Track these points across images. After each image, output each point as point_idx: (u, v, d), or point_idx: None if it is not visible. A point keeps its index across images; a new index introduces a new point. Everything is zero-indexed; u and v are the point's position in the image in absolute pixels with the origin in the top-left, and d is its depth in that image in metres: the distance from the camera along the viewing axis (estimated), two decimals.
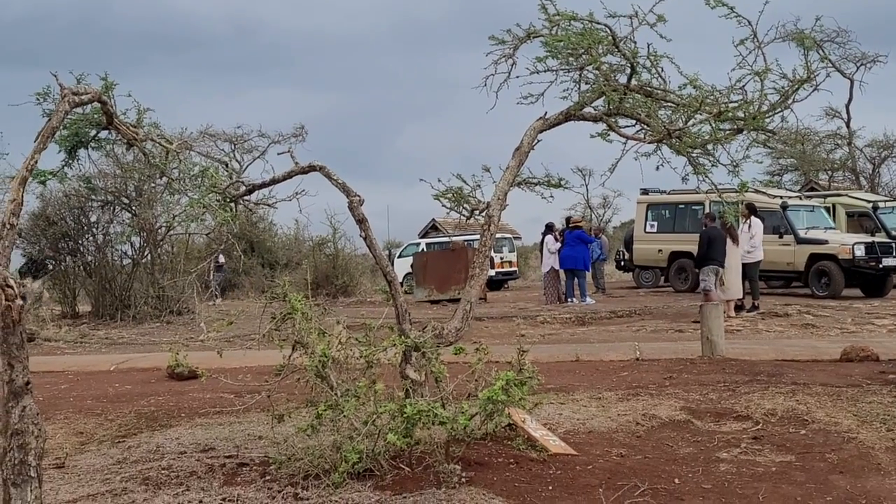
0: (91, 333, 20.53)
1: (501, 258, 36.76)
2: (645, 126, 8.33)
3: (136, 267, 23.46)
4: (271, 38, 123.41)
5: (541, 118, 8.29)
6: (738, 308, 19.55)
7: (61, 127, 6.16)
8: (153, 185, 22.34)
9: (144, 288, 23.09)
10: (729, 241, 19.03)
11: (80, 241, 23.69)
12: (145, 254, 23.67)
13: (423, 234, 52.56)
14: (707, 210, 22.69)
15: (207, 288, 26.80)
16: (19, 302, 5.36)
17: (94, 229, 23.60)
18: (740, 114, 8.17)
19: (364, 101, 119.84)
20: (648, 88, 8.27)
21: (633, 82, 8.22)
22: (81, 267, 23.95)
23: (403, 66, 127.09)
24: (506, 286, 38.16)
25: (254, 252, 35.28)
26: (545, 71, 8.34)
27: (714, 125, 8.13)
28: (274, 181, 7.89)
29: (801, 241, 23.92)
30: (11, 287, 5.32)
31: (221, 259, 29.53)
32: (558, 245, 25.00)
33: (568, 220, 26.28)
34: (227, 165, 8.07)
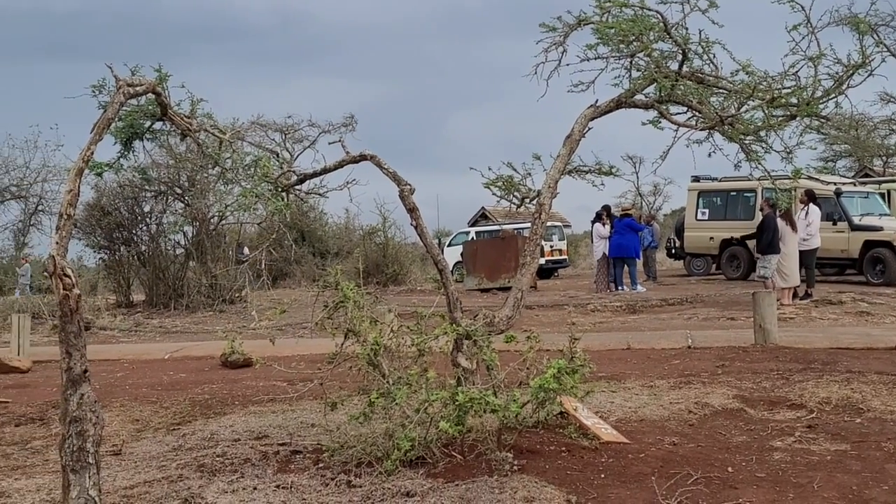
0: (145, 322, 20.76)
1: (551, 246, 36.64)
2: (697, 113, 8.27)
3: (189, 256, 23.67)
4: (317, 28, 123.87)
5: (591, 106, 8.25)
6: (796, 296, 19.38)
7: (116, 118, 6.23)
8: (205, 175, 22.52)
9: (197, 277, 23.30)
10: (788, 228, 18.85)
11: (133, 231, 23.94)
12: (198, 243, 23.86)
13: (473, 223, 52.54)
14: (761, 197, 22.48)
15: (259, 277, 26.96)
16: (77, 291, 5.45)
17: (147, 219, 23.84)
18: (794, 100, 8.08)
19: (410, 90, 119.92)
20: (700, 75, 8.21)
21: (685, 69, 8.16)
22: (135, 256, 24.19)
23: (449, 54, 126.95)
24: (556, 274, 38.07)
25: (304, 241, 35.45)
26: (596, 58, 8.31)
27: (767, 112, 8.05)
28: (325, 170, 7.93)
29: (855, 227, 23.65)
30: (69, 276, 5.40)
31: (246, 251, 29.61)
32: (607, 230, 24.92)
33: (608, 208, 26.10)
34: (277, 155, 8.13)
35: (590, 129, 8.24)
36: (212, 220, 23.83)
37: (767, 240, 18.79)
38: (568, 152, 8.08)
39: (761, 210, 20.05)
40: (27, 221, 49.83)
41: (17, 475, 7.21)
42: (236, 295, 23.42)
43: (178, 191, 23.51)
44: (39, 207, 50.09)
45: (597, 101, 8.32)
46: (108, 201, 23.51)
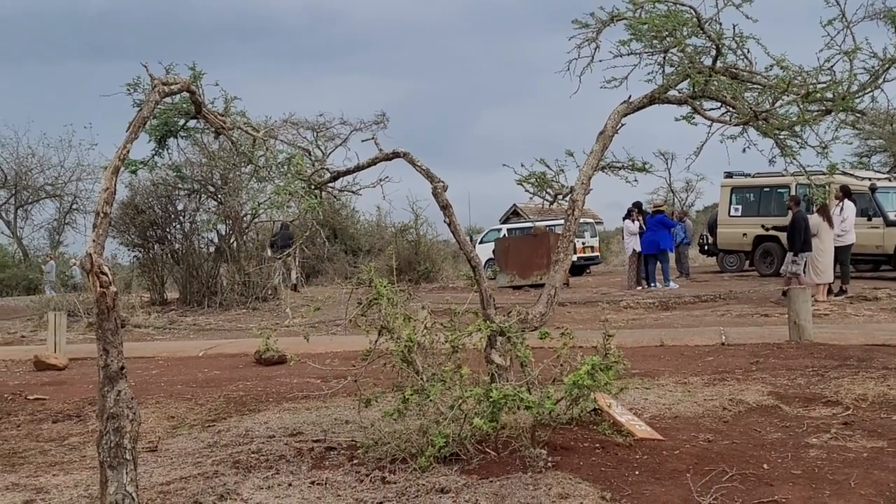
0: (179, 320, 20.88)
1: (583, 243, 36.53)
2: (731, 108, 8.23)
3: (222, 254, 23.79)
4: (347, 26, 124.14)
5: (625, 102, 8.23)
6: (830, 292, 19.23)
7: (151, 117, 6.27)
8: (238, 173, 22.62)
9: (230, 275, 23.40)
10: (824, 224, 18.72)
11: (167, 229, 24.06)
12: (231, 241, 23.96)
13: (505, 220, 52.52)
14: (793, 192, 22.34)
15: (291, 273, 27.06)
16: (113, 289, 5.49)
17: (181, 217, 23.96)
18: (829, 95, 8.04)
19: (441, 87, 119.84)
20: (734, 70, 8.17)
21: (719, 64, 8.12)
22: (169, 254, 24.32)
23: (480, 50, 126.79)
24: (588, 271, 37.97)
25: (336, 239, 35.54)
26: (629, 54, 8.29)
27: (802, 106, 8.01)
28: (358, 168, 7.94)
29: (890, 223, 23.44)
30: (106, 274, 5.44)
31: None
32: (636, 227, 24.84)
33: (639, 205, 25.98)
34: (309, 153, 8.15)
35: (623, 125, 8.22)
36: (245, 218, 23.93)
37: (801, 238, 18.65)
38: (601, 148, 8.06)
39: (789, 209, 19.92)
40: (62, 220, 50.29)
41: (55, 471, 7.28)
42: (269, 293, 23.50)
43: (212, 189, 23.61)
44: (74, 206, 50.56)
45: (630, 97, 8.29)
46: (142, 199, 23.63)
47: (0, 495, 6.56)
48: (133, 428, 5.43)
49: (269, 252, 25.66)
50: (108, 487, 5.30)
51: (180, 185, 23.23)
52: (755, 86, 8.19)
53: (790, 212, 19.97)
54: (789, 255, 18.98)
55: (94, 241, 5.56)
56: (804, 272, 18.39)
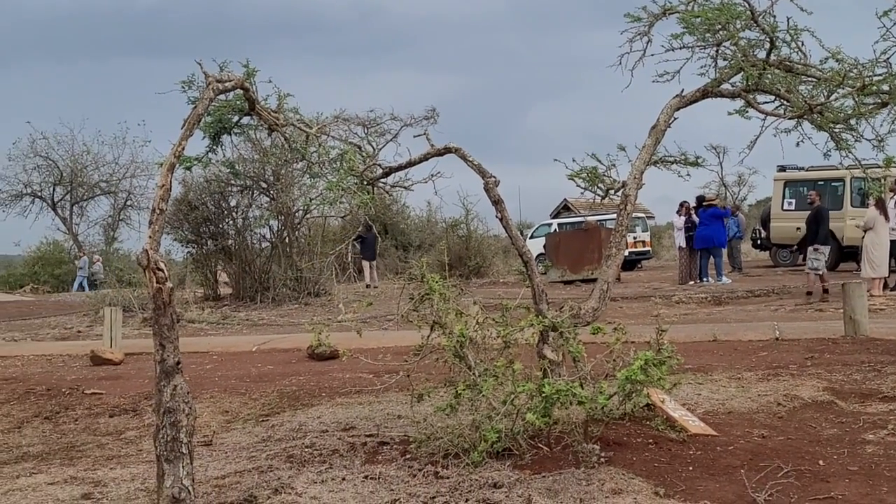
0: (232, 315, 21.02)
1: (635, 238, 36.36)
2: (785, 102, 8.15)
3: (275, 250, 23.93)
4: (394, 21, 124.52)
5: (677, 96, 8.17)
6: (886, 286, 19.00)
7: (206, 114, 6.32)
8: (290, 169, 22.74)
9: (283, 270, 23.54)
10: (880, 217, 18.50)
11: (220, 225, 24.24)
12: (283, 237, 24.11)
13: (555, 215, 52.39)
14: (850, 186, 22.09)
15: (345, 271, 27.21)
16: (169, 284, 5.55)
17: (233, 213, 24.13)
18: (885, 87, 7.92)
19: (489, 82, 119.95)
20: (788, 63, 8.09)
21: (773, 57, 8.04)
22: (222, 250, 24.51)
23: (527, 45, 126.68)
24: (639, 266, 37.80)
25: (387, 234, 35.65)
26: (681, 48, 8.22)
27: (857, 99, 7.91)
28: (410, 163, 7.95)
29: None
30: (162, 270, 5.50)
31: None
32: (681, 222, 24.74)
33: (700, 198, 25.82)
34: (360, 149, 8.17)
35: (675, 119, 8.17)
36: (297, 214, 24.06)
37: (825, 231, 18.48)
38: (653, 143, 8.01)
39: (811, 204, 19.70)
40: (116, 216, 50.91)
41: (113, 465, 7.39)
42: (322, 289, 23.62)
43: (264, 185, 23.76)
44: (128, 202, 51.15)
45: (682, 90, 8.23)
46: (196, 196, 23.84)
47: (59, 488, 6.67)
48: (189, 422, 5.49)
49: (355, 247, 25.80)
50: (164, 481, 5.36)
51: (233, 182, 23.40)
52: (810, 79, 8.10)
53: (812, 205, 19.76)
54: (810, 251, 18.76)
55: (150, 237, 5.63)
56: (825, 268, 18.21)
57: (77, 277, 41.46)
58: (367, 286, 27.37)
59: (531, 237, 37.52)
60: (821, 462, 6.21)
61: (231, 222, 24.24)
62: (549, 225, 39.83)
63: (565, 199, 56.65)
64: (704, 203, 25.19)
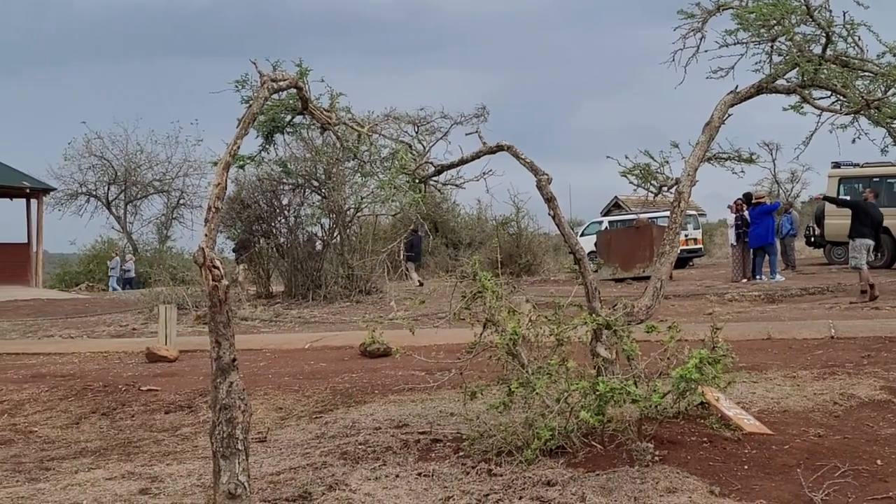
0: (284, 313, 21.15)
1: (686, 235, 36.05)
2: (841, 97, 8.07)
3: (326, 248, 24.04)
4: (442, 19, 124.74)
5: (731, 92, 8.12)
6: None
7: (260, 113, 6.37)
8: (341, 167, 22.84)
9: (334, 268, 23.64)
10: None
11: (272, 224, 24.39)
12: (335, 235, 24.21)
13: (606, 212, 52.15)
14: None
15: (397, 269, 27.29)
16: (225, 282, 5.60)
17: (285, 212, 24.26)
18: None
19: (538, 80, 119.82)
20: (845, 58, 8.01)
21: (829, 52, 7.97)
22: (274, 248, 24.65)
23: (576, 42, 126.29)
24: (691, 264, 37.53)
25: (437, 232, 35.70)
26: (735, 44, 8.18)
27: None
28: (462, 161, 7.97)
29: None
30: (218, 268, 5.55)
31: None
32: (731, 219, 24.60)
33: (749, 196, 25.59)
34: (410, 147, 8.20)
35: (729, 115, 8.12)
36: (348, 213, 24.15)
37: (861, 225, 18.25)
38: (707, 139, 7.97)
39: (864, 199, 19.45)
40: (170, 215, 51.40)
41: (169, 461, 7.47)
42: (373, 287, 23.70)
43: (315, 183, 23.87)
44: (181, 201, 51.61)
45: (737, 87, 8.18)
46: (248, 194, 24.00)
47: (117, 483, 6.76)
48: (245, 419, 5.54)
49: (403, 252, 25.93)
50: (220, 477, 5.41)
51: (285, 180, 23.53)
52: (866, 74, 8.02)
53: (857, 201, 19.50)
54: (852, 245, 18.50)
55: (205, 235, 5.67)
56: (865, 264, 17.96)
57: (110, 277, 42.19)
58: (419, 284, 27.43)
59: (582, 235, 37.34)
60: (878, 462, 6.14)
61: (283, 220, 24.37)
62: (600, 223, 39.67)
63: (616, 197, 56.37)
64: (753, 201, 24.96)
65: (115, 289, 40.40)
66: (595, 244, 30.37)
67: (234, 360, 5.57)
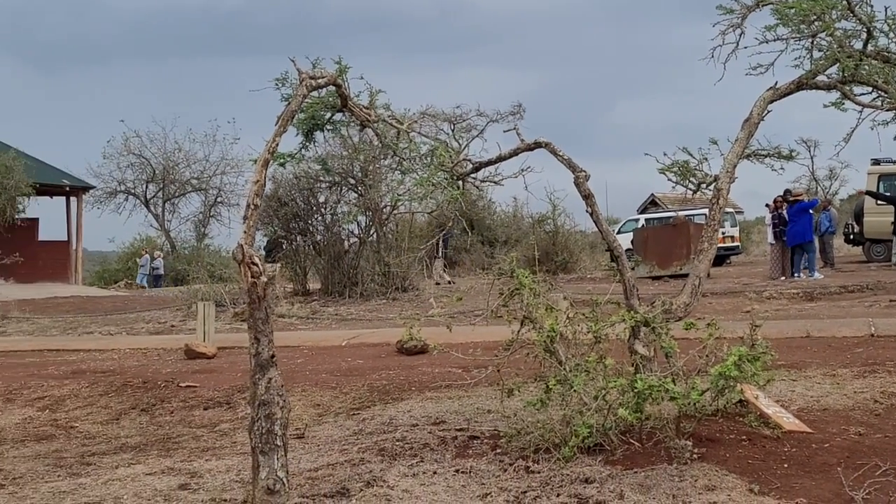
0: (321, 310, 21.22)
1: (724, 233, 35.89)
2: (883, 93, 8.00)
3: (363, 245, 24.10)
4: (476, 17, 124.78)
5: (771, 88, 8.06)
6: None
7: (299, 110, 6.40)
8: (378, 165, 22.90)
9: (371, 266, 23.69)
10: None
11: (309, 221, 24.47)
12: (371, 232, 24.27)
13: (642, 210, 51.99)
14: None
15: (443, 266, 27.35)
16: (264, 279, 5.63)
17: (322, 209, 24.34)
18: None
19: (574, 77, 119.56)
20: (886, 54, 7.93)
21: (870, 48, 7.90)
22: (311, 246, 24.74)
23: (612, 39, 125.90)
24: (728, 261, 37.36)
25: (473, 230, 35.68)
26: (775, 40, 8.12)
27: None
28: (500, 158, 7.96)
29: None
30: (256, 264, 5.59)
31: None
32: (769, 217, 24.49)
33: (787, 193, 25.43)
34: (447, 145, 8.21)
35: (768, 112, 8.06)
36: (384, 210, 24.20)
37: None
38: (746, 136, 7.92)
39: None
40: (207, 213, 51.72)
41: (208, 456, 7.52)
42: (409, 285, 23.74)
43: (352, 181, 23.94)
44: (219, 199, 51.91)
45: (776, 83, 8.12)
46: (285, 192, 24.09)
47: (157, 478, 6.81)
48: (283, 415, 5.57)
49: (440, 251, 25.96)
50: (259, 472, 5.45)
51: (321, 178, 23.62)
52: None
53: None
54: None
55: (244, 232, 5.71)
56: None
57: (139, 274, 42.66)
58: (449, 283, 27.44)
59: (618, 232, 37.23)
60: None
61: (320, 218, 24.46)
62: (637, 220, 39.58)
63: (652, 194, 56.20)
64: (790, 198, 24.81)
65: (144, 287, 40.84)
66: (632, 241, 30.30)
67: (272, 356, 5.61)
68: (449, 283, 27.56)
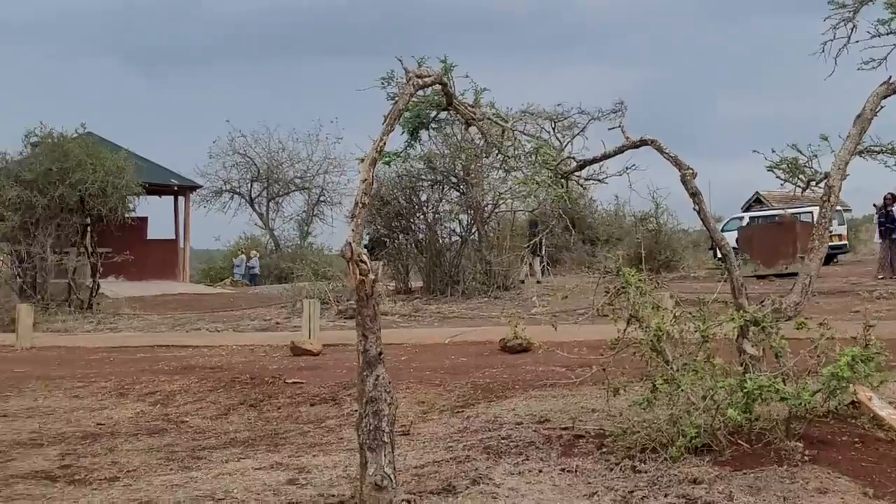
0: (423, 308, 21.30)
1: (831, 231, 35.06)
2: None
3: (465, 244, 24.14)
4: (575, 16, 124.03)
5: (884, 83, 7.88)
6: None
7: (405, 109, 6.44)
8: (480, 164, 22.91)
9: (472, 264, 23.71)
10: None
11: (411, 220, 24.59)
12: (472, 231, 24.30)
13: (746, 208, 51.13)
14: None
15: (541, 264, 27.27)
16: (371, 276, 5.68)
17: (424, 208, 24.43)
18: None
19: (675, 74, 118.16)
20: None
21: None
22: (413, 244, 24.86)
23: (712, 34, 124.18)
24: (835, 260, 36.53)
25: (574, 228, 35.48)
26: (888, 34, 7.94)
27: None
28: (605, 156, 7.92)
29: None
30: (364, 262, 5.64)
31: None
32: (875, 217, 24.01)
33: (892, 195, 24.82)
34: (547, 143, 8.19)
35: (882, 107, 7.89)
36: (486, 208, 24.21)
37: None
38: (859, 132, 7.75)
39: None
40: (310, 212, 52.24)
41: (315, 452, 7.62)
42: (511, 283, 23.71)
43: (454, 179, 23.99)
44: (321, 198, 52.39)
45: (889, 77, 7.94)
46: (388, 191, 24.23)
47: (266, 473, 6.92)
48: (391, 412, 5.62)
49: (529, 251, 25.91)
50: (367, 468, 5.50)
51: (423, 177, 23.73)
52: None
53: None
54: None
55: (352, 230, 5.78)
56: None
57: (234, 274, 43.40)
58: (538, 282, 27.34)
59: (722, 230, 36.64)
60: None
61: (422, 216, 24.55)
62: (741, 218, 38.97)
63: (757, 192, 55.17)
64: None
65: (248, 283, 41.59)
66: (736, 240, 29.87)
67: (380, 353, 5.67)
68: (537, 282, 27.42)
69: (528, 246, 22.68)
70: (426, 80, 6.42)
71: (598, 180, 8.52)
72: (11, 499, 6.74)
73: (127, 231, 27.55)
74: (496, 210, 24.70)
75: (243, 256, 44.48)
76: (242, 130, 51.99)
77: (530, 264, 28.26)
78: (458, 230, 24.66)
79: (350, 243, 5.64)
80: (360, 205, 5.81)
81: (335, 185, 51.81)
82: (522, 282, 26.77)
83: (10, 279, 24.73)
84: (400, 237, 24.95)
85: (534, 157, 7.56)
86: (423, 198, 24.55)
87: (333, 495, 6.21)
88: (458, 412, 8.68)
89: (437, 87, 6.90)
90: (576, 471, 6.22)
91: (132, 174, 26.21)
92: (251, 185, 52.72)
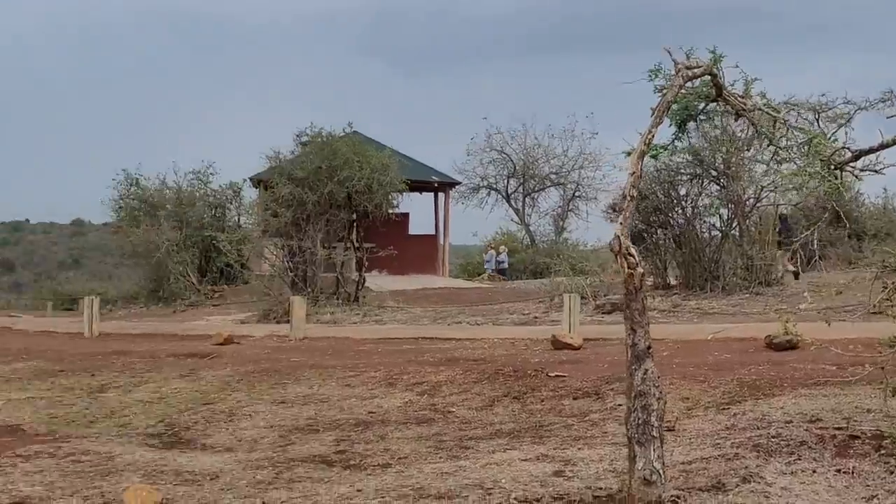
0: (682, 304, 20.98)
1: None
2: None
3: (725, 239, 23.62)
4: (834, 8, 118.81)
5: None
6: None
7: (673, 101, 6.38)
8: (741, 156, 22.36)
9: (733, 259, 23.18)
10: None
11: (669, 215, 24.25)
12: (733, 226, 23.75)
13: None
14: None
15: (810, 260, 26.37)
16: (640, 270, 5.67)
17: (683, 202, 24.05)
18: None
19: None
20: None
21: None
22: (671, 239, 24.52)
23: None
24: None
25: (840, 222, 34.06)
26: None
27: None
28: (882, 146, 7.58)
29: None
30: (633, 255, 5.64)
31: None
32: None
33: None
34: (825, 134, 7.88)
35: None
36: (747, 203, 23.59)
37: None
38: None
39: None
40: (565, 207, 52.29)
41: (580, 445, 7.66)
42: (774, 278, 23.02)
43: (714, 173, 23.50)
44: (576, 193, 52.37)
45: None
46: (646, 185, 23.93)
47: (532, 464, 7.02)
48: (660, 406, 5.59)
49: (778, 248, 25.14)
50: (636, 463, 5.49)
51: (682, 171, 23.37)
52: None
53: None
54: None
55: (620, 223, 5.78)
56: None
57: (486, 268, 43.98)
58: (796, 275, 26.30)
59: None
60: None
61: (680, 211, 24.18)
62: None
63: None
64: None
65: (504, 277, 42.18)
66: None
67: (648, 347, 5.65)
68: (795, 278, 26.41)
69: (789, 241, 21.88)
70: (696, 71, 6.33)
71: (875, 171, 8.13)
72: (294, 480, 7.11)
73: (390, 226, 28.44)
74: (758, 204, 24.01)
75: (493, 252, 45.11)
76: (499, 127, 52.60)
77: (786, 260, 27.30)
78: (718, 224, 24.15)
79: (619, 236, 5.65)
80: (629, 198, 5.81)
81: (590, 180, 51.67)
82: (783, 277, 25.91)
83: (282, 272, 25.99)
84: (658, 232, 24.63)
85: (807, 147, 7.31)
86: (682, 192, 24.15)
87: (601, 488, 6.23)
88: (723, 409, 8.53)
89: (706, 78, 6.79)
90: (852, 472, 6.03)
91: (396, 171, 26.99)
92: (507, 181, 53.24)
